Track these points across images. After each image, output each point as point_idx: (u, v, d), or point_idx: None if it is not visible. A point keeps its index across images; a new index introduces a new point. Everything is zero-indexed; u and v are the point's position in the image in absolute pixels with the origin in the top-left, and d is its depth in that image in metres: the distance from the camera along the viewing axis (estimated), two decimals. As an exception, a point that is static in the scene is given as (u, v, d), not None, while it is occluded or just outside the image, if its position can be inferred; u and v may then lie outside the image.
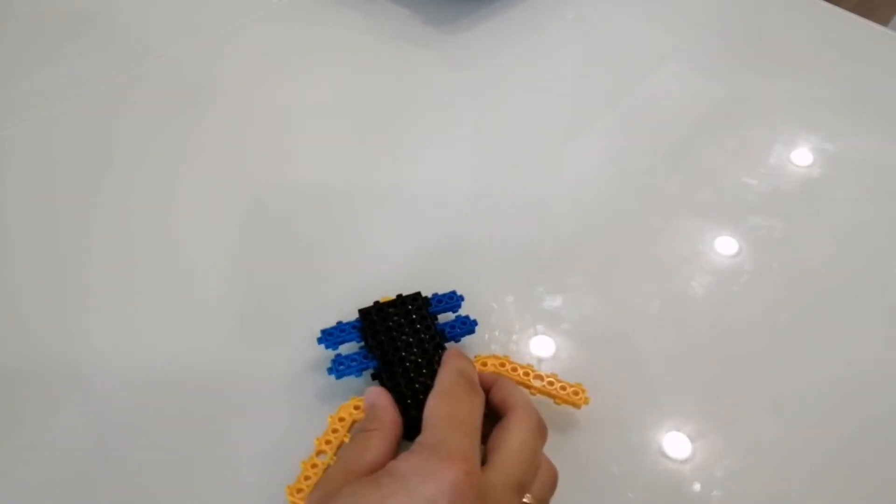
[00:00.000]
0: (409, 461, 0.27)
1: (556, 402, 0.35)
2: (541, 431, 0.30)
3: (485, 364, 0.35)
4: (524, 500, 0.28)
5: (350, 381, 0.35)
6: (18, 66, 0.55)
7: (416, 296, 0.37)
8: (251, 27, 0.59)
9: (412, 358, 0.34)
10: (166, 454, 0.34)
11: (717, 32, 0.62)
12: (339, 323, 0.37)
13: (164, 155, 0.49)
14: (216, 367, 0.38)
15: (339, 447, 0.32)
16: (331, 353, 0.36)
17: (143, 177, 0.47)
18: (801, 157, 0.50)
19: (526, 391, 0.35)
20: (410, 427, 0.33)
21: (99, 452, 0.34)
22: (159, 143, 0.50)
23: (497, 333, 0.39)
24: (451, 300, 0.38)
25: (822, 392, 0.38)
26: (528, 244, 0.44)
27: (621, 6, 0.63)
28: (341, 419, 0.33)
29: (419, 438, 0.28)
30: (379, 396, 0.32)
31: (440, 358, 0.34)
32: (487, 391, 0.33)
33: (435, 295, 0.38)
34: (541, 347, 0.39)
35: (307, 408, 0.36)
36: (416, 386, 0.33)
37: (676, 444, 0.36)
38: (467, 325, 0.37)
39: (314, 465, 0.31)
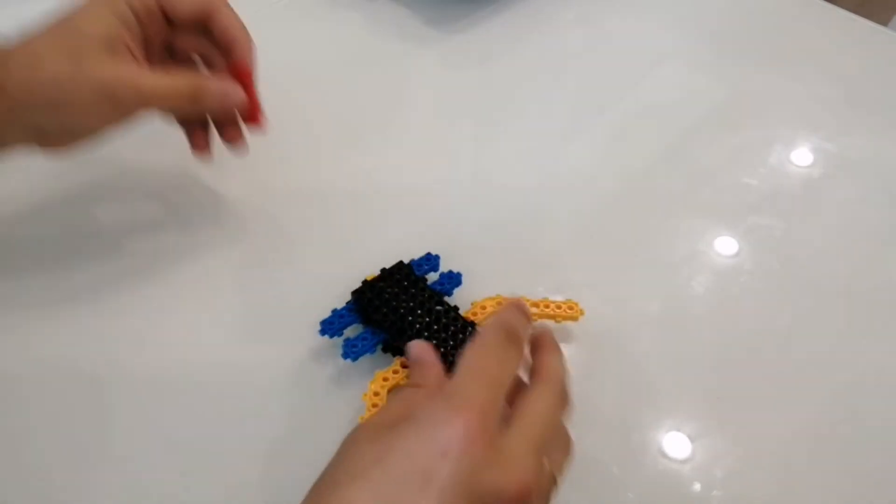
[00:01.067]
0: (427, 407, 0.27)
1: (556, 321, 0.38)
2: (565, 399, 0.30)
3: (484, 307, 0.38)
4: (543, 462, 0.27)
5: (354, 367, 0.36)
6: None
7: (400, 265, 0.39)
8: (251, 27, 0.58)
9: (419, 320, 0.36)
10: (172, 453, 0.35)
11: (718, 32, 0.62)
12: (335, 310, 0.37)
13: (164, 154, 0.49)
14: (216, 369, 0.38)
15: None
16: (330, 342, 0.37)
17: (144, 176, 0.47)
18: (801, 156, 0.51)
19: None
20: None
21: (105, 448, 0.34)
22: (159, 141, 0.50)
23: (497, 333, 0.39)
24: (430, 261, 0.40)
25: (821, 391, 0.38)
26: (528, 244, 0.44)
27: (621, 6, 0.63)
28: (376, 393, 0.34)
29: (446, 384, 0.28)
30: (423, 351, 0.33)
31: (444, 314, 0.36)
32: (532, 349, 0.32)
33: (413, 260, 0.40)
34: (541, 347, 0.39)
35: (316, 401, 0.36)
36: (434, 342, 0.35)
37: (676, 444, 0.36)
38: (454, 279, 0.39)
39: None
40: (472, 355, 0.29)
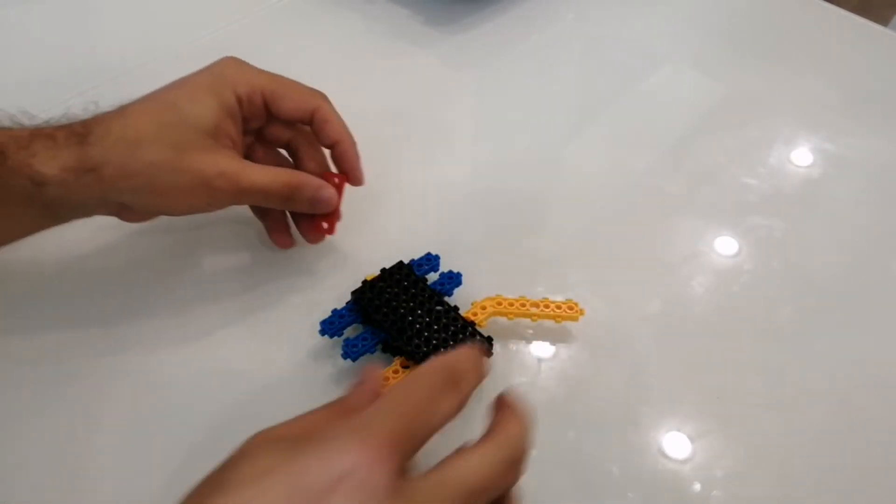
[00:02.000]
0: (334, 428, 0.24)
1: (556, 322, 0.38)
2: (516, 469, 0.26)
3: (484, 307, 0.38)
4: None
5: (354, 367, 0.37)
6: (15, 64, 0.55)
7: (400, 264, 0.39)
8: (251, 27, 0.59)
9: (420, 320, 0.36)
10: (170, 453, 0.34)
11: (717, 32, 0.62)
12: (335, 310, 0.38)
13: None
14: (216, 368, 0.38)
15: None
16: (330, 342, 0.37)
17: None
18: (801, 157, 0.51)
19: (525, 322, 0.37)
20: None
21: (101, 446, 0.34)
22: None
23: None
24: (430, 261, 0.40)
25: (821, 391, 0.38)
26: (529, 243, 0.44)
27: (621, 6, 0.63)
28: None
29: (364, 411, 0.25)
30: (369, 378, 0.30)
31: (444, 314, 0.36)
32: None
33: (413, 260, 0.40)
34: (541, 347, 0.39)
35: (316, 401, 0.36)
36: (434, 342, 0.35)
37: (676, 444, 0.36)
38: (454, 279, 0.39)
39: None
40: (399, 385, 0.26)
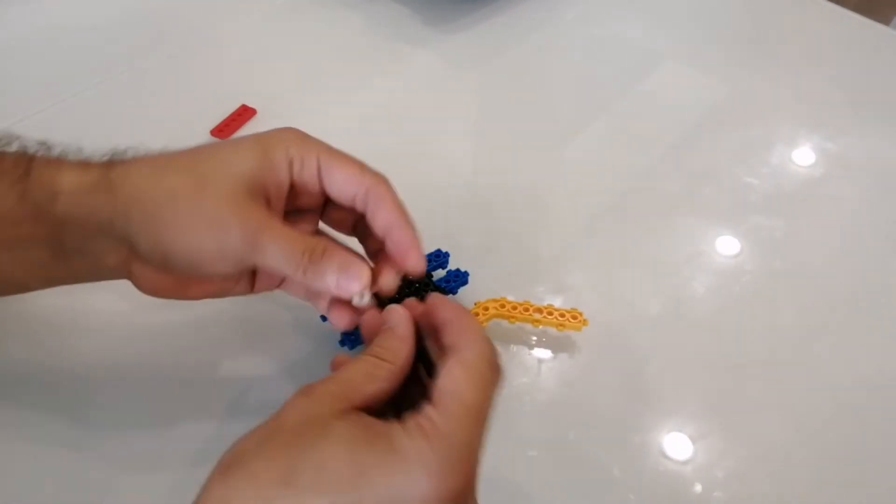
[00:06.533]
0: (418, 445, 0.23)
1: (558, 330, 0.38)
2: (495, 370, 0.27)
3: (486, 308, 0.37)
4: None
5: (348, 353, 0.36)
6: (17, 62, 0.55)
7: None
8: (251, 27, 0.59)
9: None
10: (168, 440, 0.35)
11: (718, 32, 0.62)
12: None
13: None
14: (219, 362, 0.38)
15: None
16: (331, 328, 0.36)
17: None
18: (803, 156, 0.50)
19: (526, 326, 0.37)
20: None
21: (100, 438, 0.34)
22: (159, 140, 0.49)
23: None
24: (439, 258, 0.40)
25: (822, 392, 0.38)
26: (529, 244, 0.44)
27: (621, 6, 0.63)
28: None
29: (435, 415, 0.24)
30: (401, 320, 0.29)
31: None
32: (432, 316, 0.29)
33: None
34: (542, 347, 0.39)
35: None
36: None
37: (677, 444, 0.35)
38: (461, 277, 0.39)
39: None
40: (471, 389, 0.25)
